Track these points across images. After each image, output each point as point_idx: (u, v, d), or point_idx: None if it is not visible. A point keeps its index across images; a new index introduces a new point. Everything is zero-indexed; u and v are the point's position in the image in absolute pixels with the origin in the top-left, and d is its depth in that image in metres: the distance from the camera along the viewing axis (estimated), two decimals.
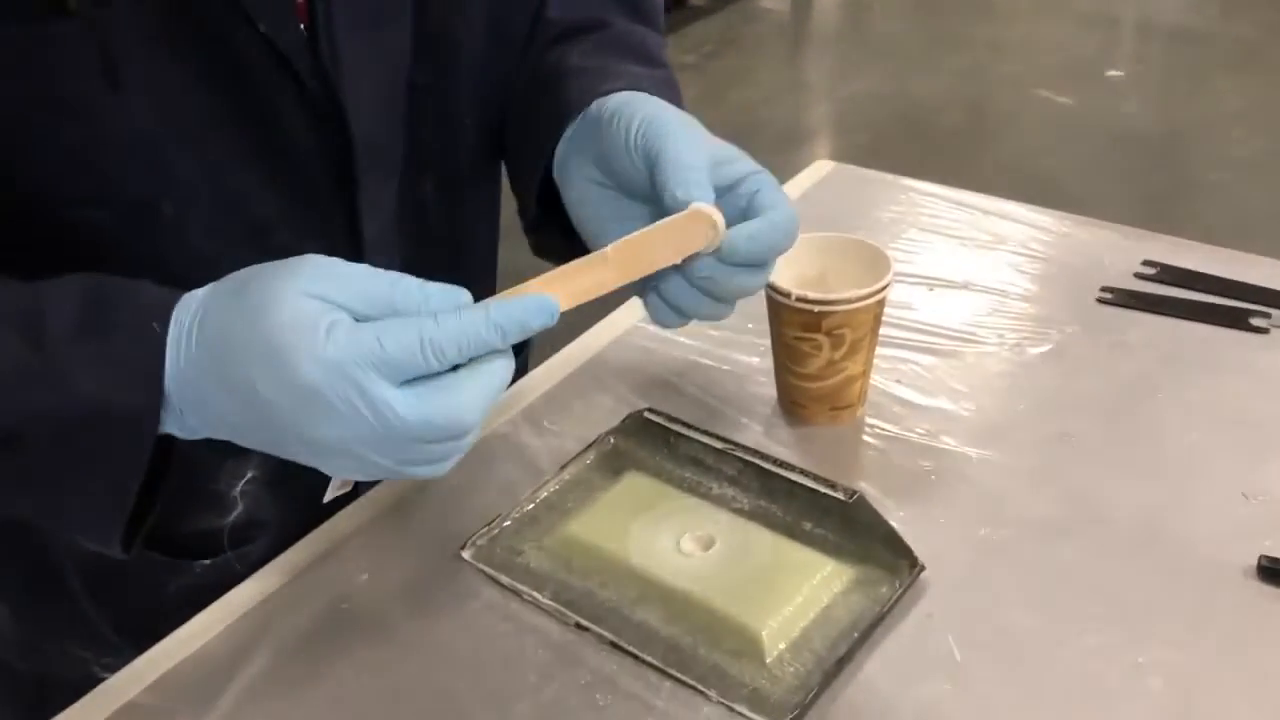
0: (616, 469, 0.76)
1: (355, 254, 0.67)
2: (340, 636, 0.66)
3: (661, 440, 0.76)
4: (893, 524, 0.68)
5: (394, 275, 0.51)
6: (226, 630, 0.67)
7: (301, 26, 0.60)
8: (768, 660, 0.63)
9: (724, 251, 0.58)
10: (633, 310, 0.94)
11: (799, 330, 0.76)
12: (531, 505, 0.74)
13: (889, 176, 1.11)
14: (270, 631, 0.67)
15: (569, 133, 0.67)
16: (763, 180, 0.60)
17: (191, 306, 0.51)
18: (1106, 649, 0.63)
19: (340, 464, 0.51)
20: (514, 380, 0.87)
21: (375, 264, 0.53)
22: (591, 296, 0.55)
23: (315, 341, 0.47)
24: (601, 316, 0.93)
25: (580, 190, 0.66)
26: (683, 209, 0.57)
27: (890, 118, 3.37)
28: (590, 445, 0.78)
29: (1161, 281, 0.93)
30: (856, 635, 0.63)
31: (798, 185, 1.10)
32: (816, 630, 0.64)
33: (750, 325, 0.89)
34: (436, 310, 0.50)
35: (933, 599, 0.67)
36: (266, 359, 0.48)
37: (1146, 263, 0.94)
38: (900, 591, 0.66)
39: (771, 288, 0.76)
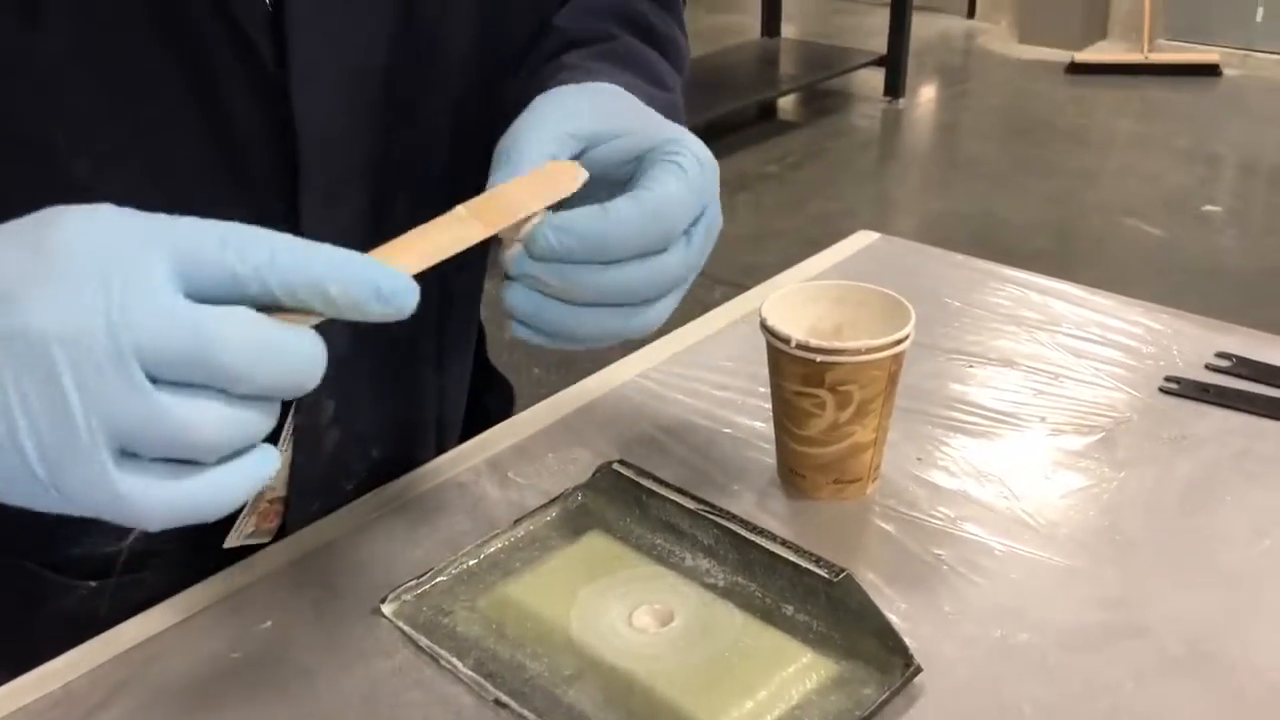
0: (578, 528, 0.66)
1: None
2: (221, 687, 0.56)
3: (633, 499, 0.66)
4: (890, 615, 0.56)
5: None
6: (98, 669, 0.57)
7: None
8: None
9: (530, 244, 0.51)
10: (631, 365, 0.84)
11: (799, 384, 0.66)
12: (473, 561, 0.64)
13: (936, 250, 1.01)
14: (145, 675, 0.57)
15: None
16: (660, 166, 0.52)
17: None
18: None
19: (22, 395, 0.35)
20: (484, 427, 0.79)
21: None
22: (453, 252, 0.47)
23: (90, 210, 0.37)
24: (597, 369, 0.84)
25: None
26: None
27: (972, 237, 3.26)
28: (554, 500, 0.68)
29: (1237, 375, 0.81)
30: None
31: (834, 254, 1.01)
32: None
33: (761, 389, 0.79)
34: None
35: (926, 708, 0.55)
36: (14, 229, 0.37)
37: (1220, 354, 0.83)
38: (888, 695, 0.55)
39: (769, 332, 0.66)
